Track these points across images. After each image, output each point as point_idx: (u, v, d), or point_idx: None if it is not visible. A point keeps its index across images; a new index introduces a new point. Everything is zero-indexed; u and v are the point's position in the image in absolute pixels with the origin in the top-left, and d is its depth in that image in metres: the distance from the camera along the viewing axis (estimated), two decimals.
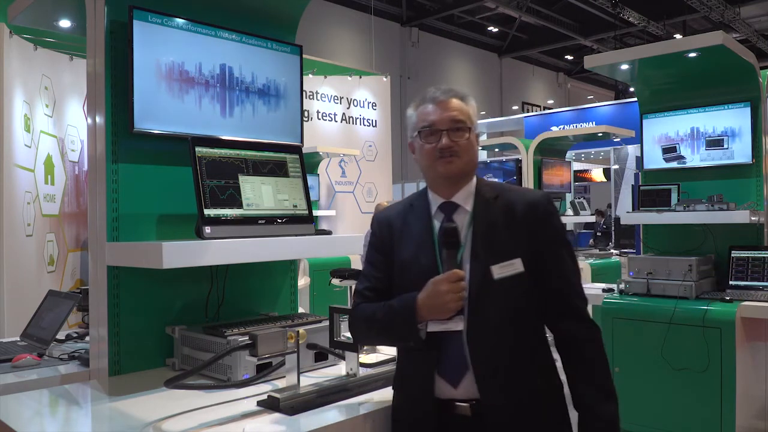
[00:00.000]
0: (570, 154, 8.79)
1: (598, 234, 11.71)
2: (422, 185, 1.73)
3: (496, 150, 9.45)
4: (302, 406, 1.66)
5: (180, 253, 1.74)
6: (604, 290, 3.91)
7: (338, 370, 2.04)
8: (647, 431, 3.54)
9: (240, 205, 1.98)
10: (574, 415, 1.60)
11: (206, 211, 1.90)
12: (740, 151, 3.86)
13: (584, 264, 6.11)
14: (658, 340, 3.48)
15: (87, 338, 2.51)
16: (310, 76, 7.67)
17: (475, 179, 1.67)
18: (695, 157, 4.04)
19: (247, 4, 2.38)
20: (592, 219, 10.73)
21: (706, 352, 3.33)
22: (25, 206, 4.20)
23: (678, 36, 16.94)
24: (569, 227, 8.37)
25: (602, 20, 18.33)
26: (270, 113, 2.40)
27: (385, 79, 8.55)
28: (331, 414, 1.65)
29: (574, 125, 13.41)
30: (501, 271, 1.54)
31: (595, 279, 5.78)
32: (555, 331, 1.63)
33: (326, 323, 2.02)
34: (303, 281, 5.71)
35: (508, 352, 1.55)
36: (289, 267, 2.56)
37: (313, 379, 1.91)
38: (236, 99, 2.30)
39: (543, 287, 1.59)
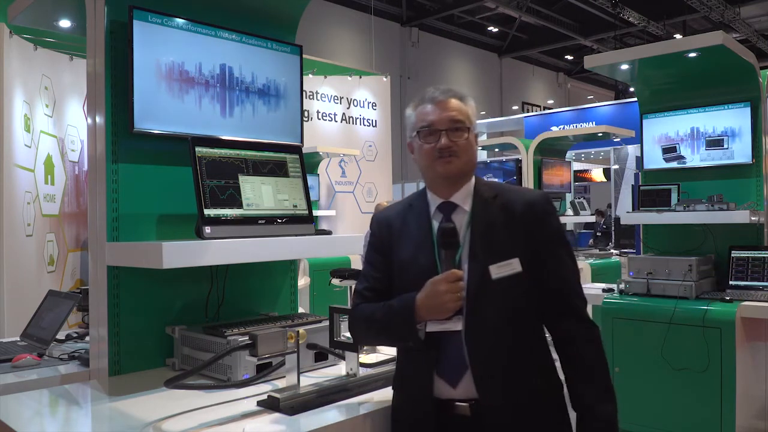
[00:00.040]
0: (570, 154, 8.79)
1: (598, 234, 11.71)
2: (422, 185, 1.73)
3: (496, 150, 9.46)
4: (302, 406, 1.66)
5: (180, 253, 1.75)
6: (604, 290, 3.91)
7: (338, 370, 2.04)
8: (647, 431, 3.54)
9: (240, 205, 1.98)
10: (573, 416, 1.60)
11: (206, 211, 1.90)
12: (740, 151, 3.86)
13: (584, 264, 6.11)
14: (658, 340, 3.48)
15: (87, 338, 2.51)
16: (310, 76, 7.67)
17: (473, 179, 1.67)
18: (695, 157, 4.04)
19: (247, 4, 2.38)
20: (592, 219, 10.73)
21: (706, 352, 3.33)
22: (25, 206, 4.20)
23: (678, 36, 16.94)
24: (569, 227, 8.37)
25: (602, 20, 18.33)
26: (270, 113, 2.40)
27: (385, 79, 8.55)
28: (331, 414, 1.65)
29: (574, 125, 13.40)
30: (499, 270, 1.54)
31: (595, 279, 5.78)
32: (554, 331, 1.63)
33: (326, 323, 2.02)
34: (303, 281, 5.71)
35: (507, 352, 1.55)
36: (289, 267, 2.56)
37: (313, 379, 1.91)
38: (236, 99, 2.30)
39: (541, 287, 1.59)
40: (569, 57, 22.85)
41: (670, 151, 4.13)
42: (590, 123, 13.22)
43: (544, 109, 20.77)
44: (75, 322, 3.21)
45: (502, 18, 19.29)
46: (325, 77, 8.00)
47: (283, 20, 2.52)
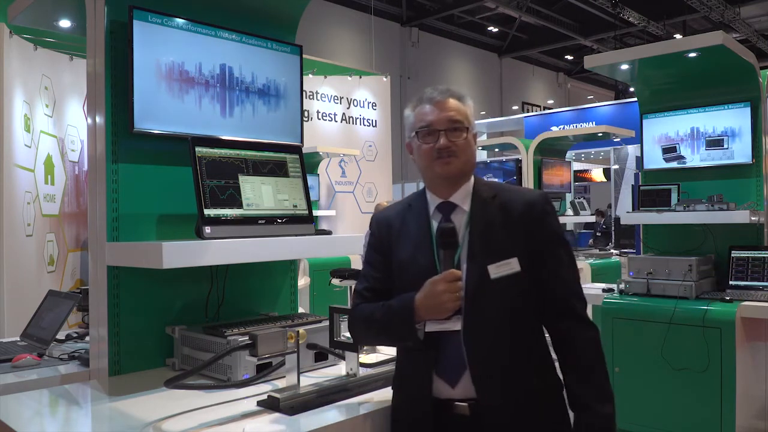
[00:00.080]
0: (570, 154, 8.79)
1: (598, 234, 11.71)
2: (422, 185, 1.73)
3: (496, 150, 9.45)
4: (302, 406, 1.66)
5: (180, 253, 1.75)
6: (604, 290, 3.91)
7: (338, 370, 2.04)
8: (647, 431, 3.54)
9: (240, 205, 1.98)
10: (573, 416, 1.60)
11: (206, 211, 1.90)
12: (740, 151, 3.86)
13: (584, 264, 6.11)
14: (658, 340, 3.48)
15: (87, 338, 2.51)
16: (310, 76, 7.67)
17: (472, 179, 1.67)
18: (695, 157, 4.04)
19: (247, 4, 2.38)
20: (592, 219, 10.73)
21: (706, 352, 3.33)
22: (25, 206, 4.20)
23: (678, 36, 16.94)
24: (569, 227, 8.36)
25: (602, 20, 18.32)
26: (270, 113, 2.40)
27: (385, 79, 8.55)
28: (331, 414, 1.65)
29: (574, 125, 13.40)
30: (497, 270, 1.54)
31: (595, 279, 5.77)
32: (553, 332, 1.63)
33: (326, 323, 2.02)
34: (303, 281, 5.71)
35: (506, 351, 1.55)
36: (289, 267, 2.56)
37: (313, 379, 1.91)
38: (236, 99, 2.30)
39: (540, 287, 1.59)
40: (569, 57, 22.85)
41: (670, 151, 4.13)
42: (590, 123, 13.22)
43: (544, 109, 20.78)
44: (75, 322, 3.21)
45: (502, 18, 19.29)
46: (325, 77, 8.00)
47: (283, 20, 2.52)
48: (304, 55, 2.55)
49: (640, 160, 4.41)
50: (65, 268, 4.64)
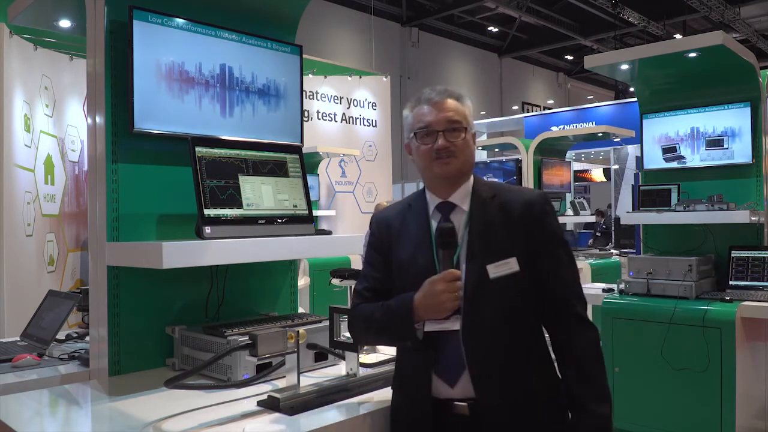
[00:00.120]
0: (570, 154, 8.79)
1: (598, 234, 11.70)
2: (422, 185, 1.74)
3: (496, 150, 9.45)
4: (302, 406, 1.66)
5: (180, 253, 1.75)
6: (604, 290, 3.91)
7: (338, 370, 2.04)
8: (647, 431, 3.54)
9: (240, 205, 1.98)
10: None
11: (206, 211, 1.90)
12: (740, 151, 3.86)
13: (584, 264, 6.11)
14: (658, 340, 3.48)
15: (87, 338, 2.51)
16: (310, 76, 7.67)
17: (472, 179, 1.67)
18: (695, 157, 4.04)
19: (247, 4, 2.38)
20: (592, 219, 10.73)
21: (706, 352, 3.33)
22: (25, 206, 4.20)
23: (678, 36, 16.94)
24: (569, 227, 8.36)
25: (602, 20, 18.32)
26: (270, 113, 2.40)
27: (385, 79, 8.55)
28: (331, 414, 1.65)
29: (574, 125, 13.40)
30: (496, 270, 1.54)
31: (595, 279, 5.77)
32: (552, 332, 1.63)
33: (326, 323, 2.02)
34: (303, 281, 5.71)
35: (505, 351, 1.55)
36: (289, 267, 2.56)
37: (313, 379, 1.91)
38: (236, 99, 2.30)
39: (540, 287, 1.59)
40: (569, 57, 22.85)
41: (670, 151, 4.13)
42: (590, 123, 13.22)
43: (544, 109, 20.78)
44: (75, 322, 3.21)
45: (502, 18, 19.29)
46: (325, 77, 8.00)
47: (283, 20, 2.52)
48: (304, 55, 2.55)
49: (640, 160, 4.41)
50: (65, 268, 4.64)
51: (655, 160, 4.20)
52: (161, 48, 2.10)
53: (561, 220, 6.58)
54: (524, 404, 1.55)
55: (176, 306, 2.20)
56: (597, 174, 17.13)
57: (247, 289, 2.39)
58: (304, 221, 2.13)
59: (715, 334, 3.31)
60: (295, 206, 2.13)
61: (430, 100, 1.63)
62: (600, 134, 6.94)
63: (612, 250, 7.39)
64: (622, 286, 3.80)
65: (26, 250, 4.20)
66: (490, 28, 20.09)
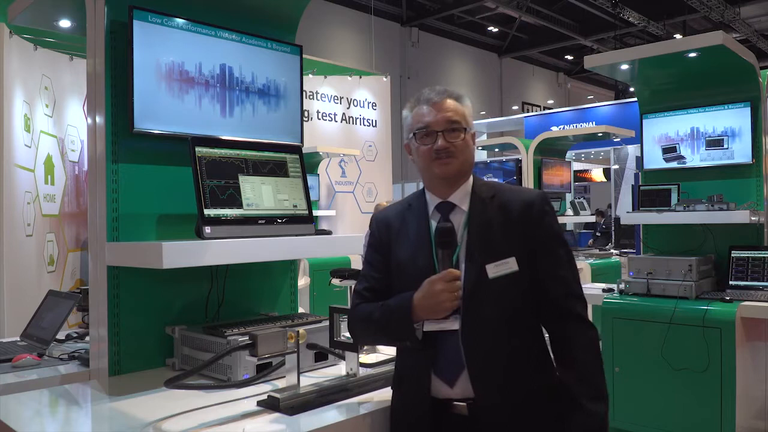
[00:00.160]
0: (570, 154, 8.79)
1: (598, 234, 11.71)
2: (422, 185, 1.74)
3: (496, 150, 9.45)
4: (302, 406, 1.66)
5: (180, 253, 1.75)
6: (604, 290, 3.91)
7: (338, 370, 2.04)
8: (647, 431, 3.54)
9: (240, 205, 1.98)
10: None
11: (206, 211, 1.90)
12: (740, 151, 3.86)
13: (584, 264, 6.11)
14: (658, 340, 3.48)
15: (87, 338, 2.52)
16: (310, 76, 7.67)
17: (471, 179, 1.67)
18: (695, 157, 4.04)
19: (247, 4, 2.38)
20: (592, 219, 10.74)
21: (706, 352, 3.33)
22: (25, 206, 4.20)
23: (678, 36, 16.94)
24: (569, 227, 8.37)
25: (602, 20, 18.32)
26: (270, 113, 2.40)
27: (385, 79, 8.55)
28: (331, 414, 1.65)
29: (574, 125, 13.40)
30: (495, 270, 1.54)
31: (595, 279, 5.77)
32: (551, 332, 1.63)
33: (326, 323, 2.02)
34: (303, 281, 5.71)
35: (503, 351, 1.55)
36: (289, 267, 2.56)
37: (313, 379, 1.91)
38: (236, 99, 2.30)
39: (539, 287, 1.59)
40: (569, 57, 22.85)
41: (670, 151, 4.13)
42: (590, 123, 13.22)
43: (544, 109, 20.77)
44: (75, 322, 3.21)
45: (502, 18, 19.29)
46: (325, 77, 8.00)
47: (283, 20, 2.52)
48: (304, 55, 2.55)
49: (640, 160, 4.41)
50: (65, 268, 4.64)
51: (655, 160, 4.20)
52: (161, 48, 2.10)
53: (561, 220, 6.61)
54: (523, 404, 1.55)
55: (176, 306, 2.20)
56: (597, 174, 17.13)
57: (247, 289, 2.39)
58: (304, 221, 2.13)
59: (715, 334, 3.31)
60: (295, 206, 2.13)
61: (429, 101, 1.63)
62: (600, 134, 6.94)
63: (612, 250, 7.40)
64: (622, 286, 3.80)
65: (26, 250, 4.20)
66: (490, 28, 20.09)
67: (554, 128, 12.93)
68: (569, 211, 7.14)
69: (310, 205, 2.17)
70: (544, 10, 18.13)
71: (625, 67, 3.94)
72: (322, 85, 7.95)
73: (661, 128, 4.16)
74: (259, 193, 2.04)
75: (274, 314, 2.37)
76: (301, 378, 1.77)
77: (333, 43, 15.19)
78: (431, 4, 17.91)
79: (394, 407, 1.69)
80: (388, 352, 2.17)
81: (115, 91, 2.06)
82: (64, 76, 4.63)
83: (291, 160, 2.17)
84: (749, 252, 3.66)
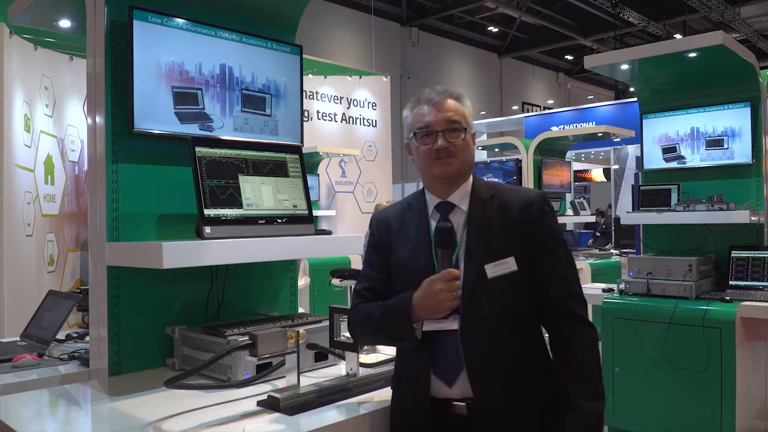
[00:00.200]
0: (570, 154, 8.79)
1: (598, 234, 11.71)
2: (422, 185, 1.74)
3: (496, 150, 9.45)
4: (302, 406, 1.66)
5: (180, 253, 1.75)
6: (604, 290, 3.91)
7: (338, 370, 2.04)
8: (647, 431, 3.54)
9: (240, 205, 1.98)
10: None
11: (206, 211, 1.90)
12: (740, 151, 3.86)
13: (584, 264, 6.11)
14: (658, 340, 3.48)
15: (87, 338, 2.52)
16: (310, 76, 7.67)
17: (471, 179, 1.67)
18: (695, 157, 4.04)
19: (247, 4, 2.38)
20: (592, 219, 10.74)
21: (706, 352, 3.33)
22: (25, 206, 4.20)
23: (678, 36, 16.94)
24: (569, 227, 8.36)
25: (602, 20, 18.32)
26: (270, 113, 2.40)
27: (385, 79, 8.55)
28: (331, 414, 1.65)
29: (574, 125, 13.40)
30: (494, 270, 1.55)
31: (595, 279, 5.77)
32: (550, 331, 1.63)
33: (326, 323, 2.02)
34: (303, 281, 5.71)
35: (503, 351, 1.55)
36: (289, 267, 2.56)
37: (313, 379, 1.91)
38: (236, 99, 2.30)
39: (538, 287, 1.59)
40: (569, 57, 22.85)
41: (670, 151, 4.13)
42: (590, 123, 13.22)
43: (544, 109, 20.78)
44: (75, 322, 3.21)
45: (502, 18, 19.29)
46: (325, 77, 8.00)
47: (283, 20, 2.52)
48: (304, 55, 2.55)
49: (640, 160, 4.41)
50: (65, 268, 4.64)
51: (655, 160, 4.20)
52: (161, 48, 2.10)
53: (561, 220, 6.61)
54: (522, 404, 1.55)
55: (176, 306, 2.20)
56: (597, 174, 17.13)
57: (247, 289, 2.40)
58: (304, 221, 2.13)
59: (715, 334, 3.31)
60: (295, 206, 2.13)
61: (429, 101, 1.63)
62: (600, 134, 6.94)
63: (612, 250, 7.40)
64: (622, 286, 3.80)
65: (26, 250, 4.20)
66: (490, 28, 20.09)
67: (554, 128, 12.93)
68: (569, 211, 7.14)
69: (310, 205, 2.17)
70: (544, 10, 18.13)
71: (625, 67, 3.94)
72: (322, 85, 7.95)
73: (661, 128, 4.16)
74: (259, 193, 2.04)
75: (274, 314, 2.37)
76: (301, 378, 1.77)
77: (333, 43, 15.20)
78: (431, 4, 17.91)
79: (394, 407, 1.69)
80: (387, 352, 2.17)
81: (115, 91, 2.06)
82: (64, 76, 4.63)
83: (291, 160, 2.17)
84: (749, 252, 3.66)
